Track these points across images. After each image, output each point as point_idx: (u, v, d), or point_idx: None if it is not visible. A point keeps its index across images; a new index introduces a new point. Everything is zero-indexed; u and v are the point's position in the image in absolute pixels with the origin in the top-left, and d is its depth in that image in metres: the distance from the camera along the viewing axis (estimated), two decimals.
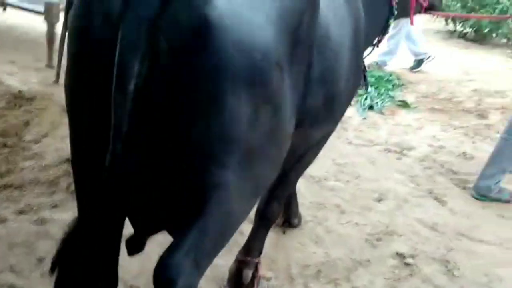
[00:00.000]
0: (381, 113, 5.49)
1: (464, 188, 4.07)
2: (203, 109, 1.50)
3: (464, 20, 9.39)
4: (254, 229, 2.79)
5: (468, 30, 9.72)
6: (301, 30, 1.69)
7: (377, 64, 6.82)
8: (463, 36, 9.76)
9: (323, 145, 2.55)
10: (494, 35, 9.58)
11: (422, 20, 6.89)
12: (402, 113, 5.58)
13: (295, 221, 3.28)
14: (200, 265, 1.67)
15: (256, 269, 2.77)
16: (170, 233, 1.78)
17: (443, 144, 4.85)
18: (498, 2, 9.01)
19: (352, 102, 3.32)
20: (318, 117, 2.02)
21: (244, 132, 1.56)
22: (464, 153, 4.67)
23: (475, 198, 3.96)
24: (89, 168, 1.66)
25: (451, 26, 9.85)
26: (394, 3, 2.73)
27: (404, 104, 5.77)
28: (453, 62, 7.95)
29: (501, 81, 7.06)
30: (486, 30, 9.37)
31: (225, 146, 1.56)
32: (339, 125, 2.54)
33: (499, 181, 3.95)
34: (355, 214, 3.53)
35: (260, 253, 2.81)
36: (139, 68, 1.41)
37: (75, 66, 1.60)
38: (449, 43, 9.36)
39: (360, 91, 5.01)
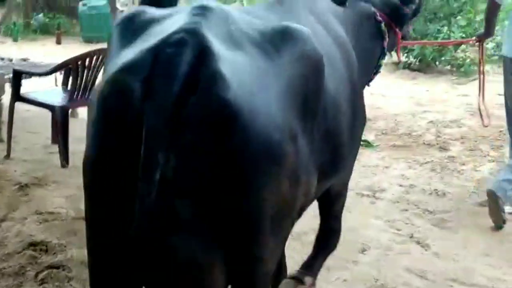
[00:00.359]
0: None
1: (443, 228, 4.01)
2: (231, 192, 1.53)
3: (408, 51, 9.59)
4: (312, 255, 3.00)
5: (412, 60, 9.93)
6: (309, 97, 1.76)
7: None
8: (407, 66, 9.96)
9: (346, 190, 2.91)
10: (437, 63, 9.81)
11: None
12: (367, 153, 5.54)
13: None
14: None
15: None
16: None
17: (413, 183, 4.82)
18: (439, 32, 9.26)
19: None
20: (328, 170, 2.08)
21: (272, 204, 1.62)
22: (436, 190, 4.65)
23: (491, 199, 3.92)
24: (109, 250, 1.65)
25: (395, 58, 10.00)
26: (385, 44, 2.90)
27: (366, 144, 5.73)
28: (404, 94, 8.07)
29: (453, 110, 7.18)
30: (430, 58, 9.60)
31: (257, 224, 1.62)
32: None
33: None
34: (342, 269, 3.40)
35: (315, 277, 2.95)
36: (165, 157, 1.43)
37: (100, 154, 1.60)
38: (396, 75, 9.52)
39: None
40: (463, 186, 4.75)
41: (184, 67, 1.44)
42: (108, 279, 1.73)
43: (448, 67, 9.84)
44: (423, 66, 9.81)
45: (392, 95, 7.66)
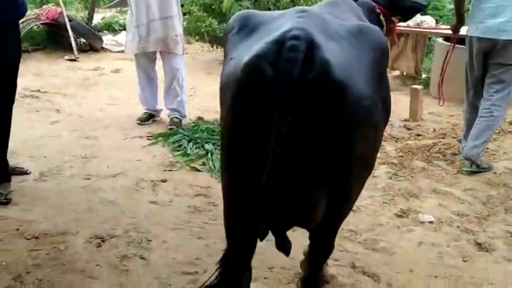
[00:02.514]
0: None
1: (377, 250, 3.80)
2: (338, 138, 2.16)
3: None
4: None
5: None
6: (382, 75, 2.43)
7: None
8: None
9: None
10: None
11: None
12: None
13: None
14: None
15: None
16: (303, 226, 2.63)
17: None
18: None
19: None
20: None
21: (363, 150, 2.30)
22: None
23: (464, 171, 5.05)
24: (246, 184, 2.22)
25: None
26: (383, 31, 3.30)
27: None
28: None
29: None
30: None
31: (354, 162, 2.27)
32: None
33: (483, 150, 5.06)
34: None
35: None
36: (289, 119, 2.00)
37: (238, 120, 2.19)
38: None
39: None
40: (373, 197, 4.62)
41: (302, 54, 2.01)
42: (243, 218, 2.23)
43: None
44: None
45: None
